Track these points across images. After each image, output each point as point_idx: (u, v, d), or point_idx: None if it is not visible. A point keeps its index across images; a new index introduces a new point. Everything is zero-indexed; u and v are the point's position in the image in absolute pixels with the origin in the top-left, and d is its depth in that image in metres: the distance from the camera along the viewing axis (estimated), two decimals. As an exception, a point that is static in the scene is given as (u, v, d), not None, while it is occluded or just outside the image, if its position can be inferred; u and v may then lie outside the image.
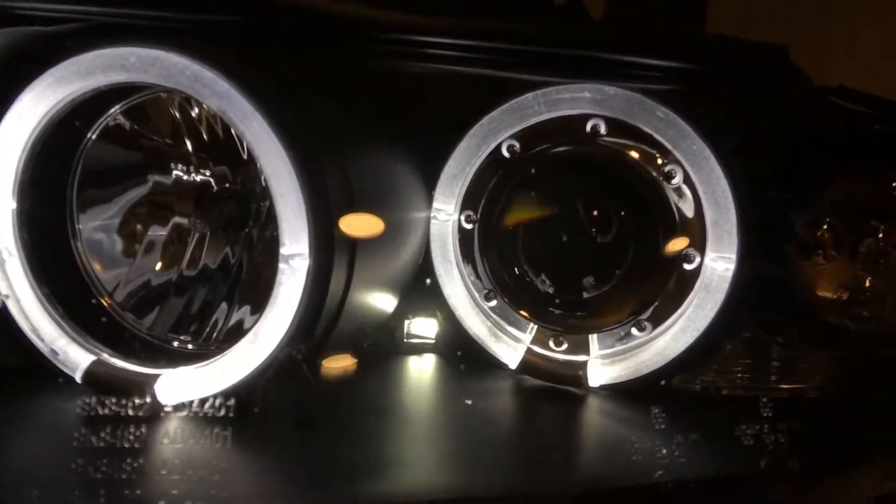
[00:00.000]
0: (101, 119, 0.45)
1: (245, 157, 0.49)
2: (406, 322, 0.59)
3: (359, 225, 0.45)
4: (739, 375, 0.58)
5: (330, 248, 0.43)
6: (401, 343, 0.59)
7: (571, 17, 0.57)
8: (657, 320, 0.53)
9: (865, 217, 0.58)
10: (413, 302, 0.58)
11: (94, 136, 0.47)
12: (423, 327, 0.59)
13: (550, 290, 0.56)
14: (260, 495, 0.39)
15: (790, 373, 0.58)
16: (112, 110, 0.46)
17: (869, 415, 0.56)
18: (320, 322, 0.44)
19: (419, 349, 0.60)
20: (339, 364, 0.51)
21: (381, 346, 0.59)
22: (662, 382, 0.53)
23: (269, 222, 0.52)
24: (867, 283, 0.59)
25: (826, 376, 0.58)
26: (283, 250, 0.43)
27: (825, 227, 0.57)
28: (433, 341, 0.59)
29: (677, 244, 0.52)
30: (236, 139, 0.49)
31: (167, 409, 0.44)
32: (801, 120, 0.53)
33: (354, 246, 0.45)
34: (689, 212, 0.52)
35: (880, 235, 0.58)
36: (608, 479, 0.43)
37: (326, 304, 0.44)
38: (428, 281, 0.56)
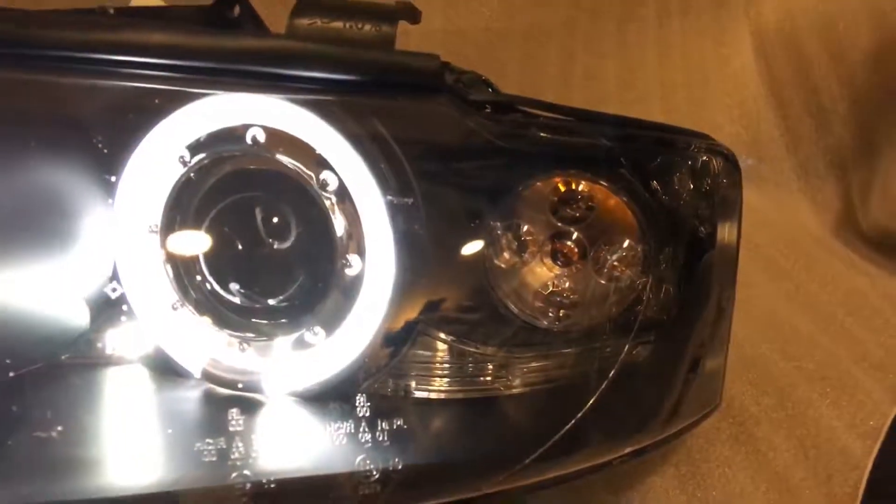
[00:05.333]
0: None
1: None
2: (106, 335, 0.60)
3: None
4: (436, 379, 0.59)
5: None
6: (102, 355, 0.60)
7: (245, 31, 0.59)
8: (329, 326, 0.54)
9: (555, 221, 0.59)
10: (108, 315, 0.58)
11: None
12: (120, 341, 0.59)
13: (235, 299, 0.57)
14: None
15: (481, 374, 0.59)
16: None
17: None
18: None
19: (120, 361, 0.60)
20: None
21: (82, 359, 0.59)
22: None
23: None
24: (565, 284, 0.60)
25: (518, 375, 0.59)
26: None
27: (514, 230, 0.59)
28: (131, 354, 0.60)
29: (337, 251, 0.53)
30: None
31: None
32: (465, 129, 0.54)
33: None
34: (345, 219, 0.53)
35: (573, 238, 0.60)
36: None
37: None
38: (115, 292, 0.57)
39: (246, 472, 0.46)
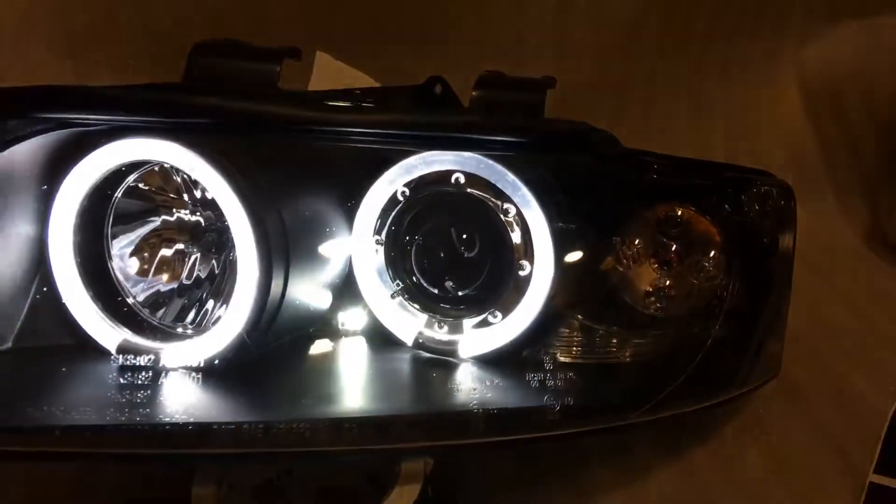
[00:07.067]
0: (123, 183, 0.71)
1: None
2: (340, 315, 0.84)
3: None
4: (574, 349, 0.82)
5: (269, 267, 0.68)
6: (336, 330, 0.84)
7: (445, 105, 0.83)
8: (505, 311, 0.78)
9: (660, 236, 0.82)
10: (344, 301, 0.83)
11: (119, 195, 0.73)
12: (352, 319, 0.84)
13: (435, 291, 0.81)
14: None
15: (606, 346, 0.82)
16: (130, 177, 0.72)
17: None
18: (265, 315, 0.69)
19: (350, 333, 0.84)
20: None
21: (323, 333, 0.84)
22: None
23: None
24: (666, 283, 0.83)
25: (631, 347, 0.82)
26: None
27: (630, 244, 0.82)
28: (359, 328, 0.84)
29: (513, 257, 0.77)
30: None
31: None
32: (602, 173, 0.78)
33: (288, 264, 0.70)
34: (519, 236, 0.77)
35: (673, 249, 0.83)
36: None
37: (268, 305, 0.69)
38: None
39: (477, 401, 0.69)
